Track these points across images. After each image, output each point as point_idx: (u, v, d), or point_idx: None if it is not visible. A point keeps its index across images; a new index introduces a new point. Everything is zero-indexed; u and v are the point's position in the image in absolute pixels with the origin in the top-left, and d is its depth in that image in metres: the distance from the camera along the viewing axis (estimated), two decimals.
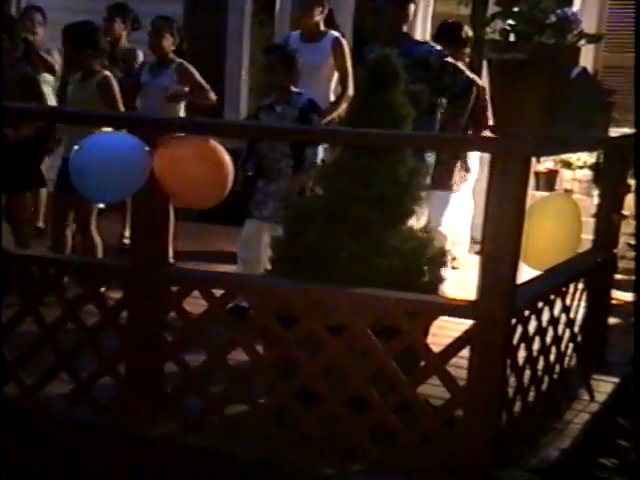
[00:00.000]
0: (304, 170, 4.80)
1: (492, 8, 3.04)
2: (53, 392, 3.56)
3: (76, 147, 3.33)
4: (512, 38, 2.86)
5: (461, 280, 4.51)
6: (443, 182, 5.52)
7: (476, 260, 3.10)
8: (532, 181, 6.77)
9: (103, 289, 4.38)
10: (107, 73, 5.24)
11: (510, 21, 2.86)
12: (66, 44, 5.34)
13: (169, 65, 5.92)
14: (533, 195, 6.10)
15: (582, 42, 2.94)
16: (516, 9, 2.86)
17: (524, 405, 3.38)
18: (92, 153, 3.30)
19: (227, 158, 3.33)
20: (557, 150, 3.96)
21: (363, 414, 3.15)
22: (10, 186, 5.32)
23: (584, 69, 3.03)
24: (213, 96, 5.96)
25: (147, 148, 3.23)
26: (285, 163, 4.94)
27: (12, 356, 3.59)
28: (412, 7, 5.06)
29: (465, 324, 3.10)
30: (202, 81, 5.92)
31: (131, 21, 6.91)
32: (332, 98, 6.04)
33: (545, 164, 6.91)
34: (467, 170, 5.82)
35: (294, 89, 5.02)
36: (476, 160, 6.02)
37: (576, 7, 6.94)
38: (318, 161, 4.78)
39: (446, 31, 5.78)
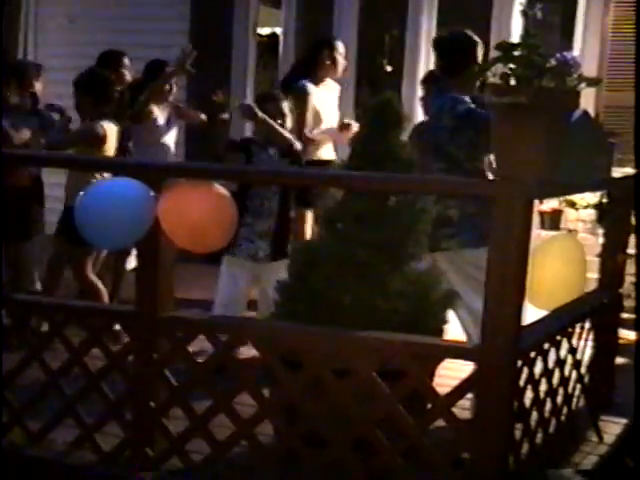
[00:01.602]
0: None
1: (493, 51, 3.06)
2: (58, 439, 3.55)
3: (81, 193, 3.36)
4: (513, 82, 2.88)
5: None
6: None
7: None
8: (537, 220, 6.79)
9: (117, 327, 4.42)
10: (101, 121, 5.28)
11: (510, 65, 2.88)
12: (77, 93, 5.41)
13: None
14: (539, 234, 6.13)
15: (582, 85, 2.97)
16: (516, 53, 2.89)
17: (532, 448, 3.35)
18: (97, 199, 3.33)
19: (231, 201, 3.35)
20: (559, 192, 3.97)
21: (370, 458, 3.13)
22: (10, 235, 5.35)
23: (585, 112, 3.05)
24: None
25: (152, 193, 3.26)
26: (275, 201, 4.97)
27: (18, 402, 3.59)
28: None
29: (472, 365, 3.10)
30: None
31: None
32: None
33: (549, 204, 6.92)
34: None
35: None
36: None
37: (577, 46, 7.03)
38: None
39: None
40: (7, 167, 5.11)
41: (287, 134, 5.05)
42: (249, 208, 4.90)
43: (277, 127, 5.01)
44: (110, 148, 5.23)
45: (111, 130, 5.24)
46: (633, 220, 4.26)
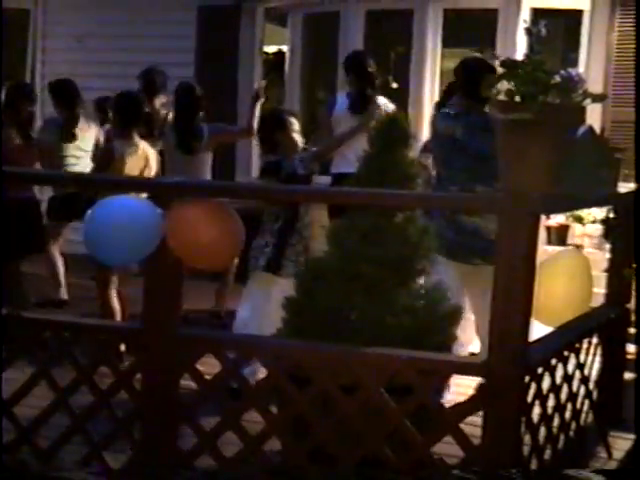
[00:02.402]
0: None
1: (498, 67, 3.08)
2: (67, 457, 3.56)
3: (89, 211, 3.39)
4: (518, 98, 2.90)
5: None
6: None
7: None
8: (544, 235, 6.79)
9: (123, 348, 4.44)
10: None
11: (515, 82, 2.90)
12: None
13: None
14: (545, 250, 6.13)
15: (587, 101, 2.98)
16: (520, 71, 2.91)
17: (540, 464, 3.34)
18: (105, 216, 3.35)
19: (238, 219, 3.37)
20: (565, 207, 3.98)
21: (378, 474, 3.12)
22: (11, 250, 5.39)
23: (590, 128, 3.07)
24: None
25: (160, 211, 3.28)
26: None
27: (26, 420, 3.59)
28: None
29: (480, 380, 3.10)
30: None
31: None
32: None
33: (556, 219, 6.92)
34: None
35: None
36: None
37: (582, 63, 7.05)
38: None
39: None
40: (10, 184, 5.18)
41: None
42: (296, 229, 4.91)
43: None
44: (125, 169, 5.24)
45: (131, 150, 5.28)
46: None
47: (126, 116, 5.35)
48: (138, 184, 3.90)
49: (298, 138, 5.09)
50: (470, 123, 4.54)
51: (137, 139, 5.32)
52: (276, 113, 5.57)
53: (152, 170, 5.37)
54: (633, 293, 4.42)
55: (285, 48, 8.52)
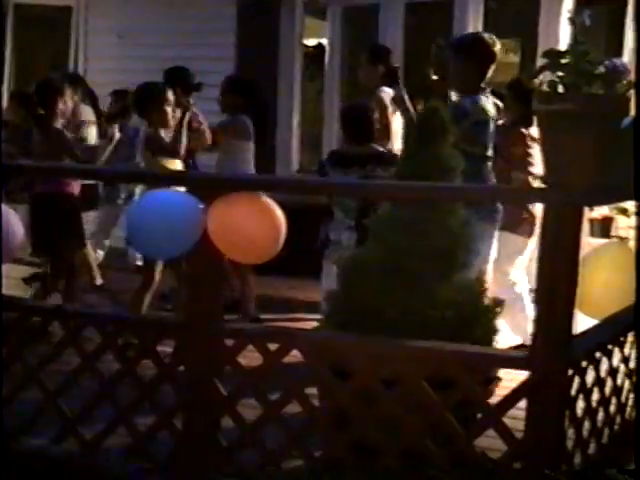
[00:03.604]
0: None
1: (540, 59, 3.05)
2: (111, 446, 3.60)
3: (132, 205, 3.42)
4: (560, 89, 2.86)
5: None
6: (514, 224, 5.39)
7: None
8: (587, 228, 6.70)
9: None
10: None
11: (559, 73, 2.87)
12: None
13: None
14: (588, 242, 6.05)
15: (632, 92, 2.94)
16: (564, 61, 2.87)
17: (584, 458, 3.31)
18: (147, 210, 3.38)
19: (279, 213, 3.37)
20: (609, 199, 3.92)
21: (419, 468, 3.12)
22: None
23: (636, 118, 3.02)
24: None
25: (201, 205, 3.30)
26: None
27: (71, 412, 3.64)
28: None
29: (523, 374, 3.08)
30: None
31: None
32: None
33: (600, 211, 6.83)
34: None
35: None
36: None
37: (627, 52, 6.95)
38: None
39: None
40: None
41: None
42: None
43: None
44: None
45: None
46: None
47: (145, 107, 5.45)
48: (179, 179, 3.92)
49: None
50: None
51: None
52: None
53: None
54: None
55: (325, 41, 8.51)
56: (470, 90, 4.81)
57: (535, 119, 3.41)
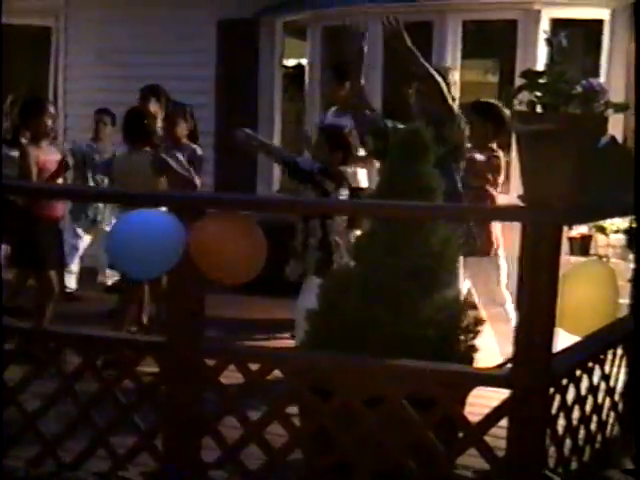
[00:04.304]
0: None
1: (518, 79, 3.08)
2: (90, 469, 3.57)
3: (112, 224, 3.41)
4: (539, 109, 2.89)
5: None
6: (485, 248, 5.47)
7: None
8: (566, 247, 6.75)
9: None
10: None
11: (536, 93, 2.89)
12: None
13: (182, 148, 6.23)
14: (568, 260, 6.09)
15: (609, 111, 2.97)
16: (542, 81, 2.90)
17: (566, 476, 3.32)
18: (128, 230, 3.37)
19: (260, 233, 3.37)
20: (588, 218, 3.97)
21: None
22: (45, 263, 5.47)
23: (612, 138, 3.06)
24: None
25: (182, 225, 3.29)
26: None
27: (50, 433, 3.61)
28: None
29: (503, 392, 3.08)
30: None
31: (165, 101, 7.07)
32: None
33: (579, 229, 6.88)
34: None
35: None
36: None
37: (603, 73, 7.02)
38: None
39: (483, 109, 5.71)
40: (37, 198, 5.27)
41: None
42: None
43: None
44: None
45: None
46: None
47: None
48: (161, 198, 3.91)
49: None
50: None
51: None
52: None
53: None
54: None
55: (304, 62, 8.54)
56: None
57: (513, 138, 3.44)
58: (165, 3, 8.53)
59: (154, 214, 3.48)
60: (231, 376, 3.39)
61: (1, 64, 7.30)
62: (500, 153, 5.69)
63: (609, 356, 3.78)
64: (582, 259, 6.36)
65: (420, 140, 3.59)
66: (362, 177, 6.36)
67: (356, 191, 6.02)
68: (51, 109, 5.75)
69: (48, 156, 5.68)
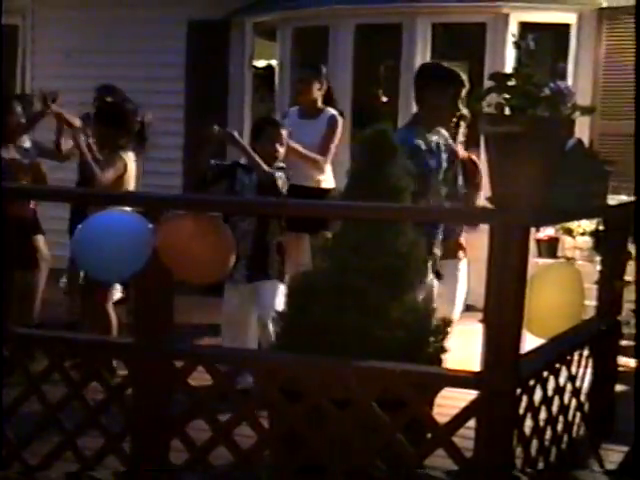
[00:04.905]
0: None
1: (487, 82, 3.10)
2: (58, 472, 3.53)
3: (80, 225, 3.38)
4: (507, 111, 2.91)
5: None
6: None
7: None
8: (534, 248, 6.80)
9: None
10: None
11: (505, 95, 2.91)
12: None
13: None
14: (536, 262, 6.14)
15: (576, 114, 3.00)
16: (510, 84, 2.92)
17: (532, 477, 3.34)
18: (95, 231, 3.34)
19: (228, 232, 3.37)
20: (555, 219, 4.00)
21: None
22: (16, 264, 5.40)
23: (579, 140, 3.08)
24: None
25: (150, 225, 3.27)
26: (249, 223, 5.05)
27: (16, 437, 3.57)
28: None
29: (471, 394, 3.10)
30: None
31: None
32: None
33: (546, 232, 6.94)
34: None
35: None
36: None
37: (570, 76, 7.10)
38: None
39: None
40: (9, 199, 5.19)
41: (264, 166, 5.07)
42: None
43: (254, 157, 5.07)
44: (130, 177, 5.37)
45: (130, 160, 5.38)
46: (630, 247, 4.27)
47: (123, 127, 5.44)
48: (129, 198, 3.89)
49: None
50: None
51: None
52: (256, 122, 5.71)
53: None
54: (632, 306, 4.44)
55: (274, 62, 8.53)
56: None
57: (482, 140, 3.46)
58: (135, 3, 8.49)
59: (121, 215, 3.46)
60: (200, 377, 3.38)
61: (1, 64, 7.22)
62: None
63: (575, 357, 3.82)
64: (550, 261, 6.42)
65: (387, 141, 3.60)
66: (328, 177, 6.33)
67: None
68: (18, 108, 5.68)
69: (15, 156, 5.63)
